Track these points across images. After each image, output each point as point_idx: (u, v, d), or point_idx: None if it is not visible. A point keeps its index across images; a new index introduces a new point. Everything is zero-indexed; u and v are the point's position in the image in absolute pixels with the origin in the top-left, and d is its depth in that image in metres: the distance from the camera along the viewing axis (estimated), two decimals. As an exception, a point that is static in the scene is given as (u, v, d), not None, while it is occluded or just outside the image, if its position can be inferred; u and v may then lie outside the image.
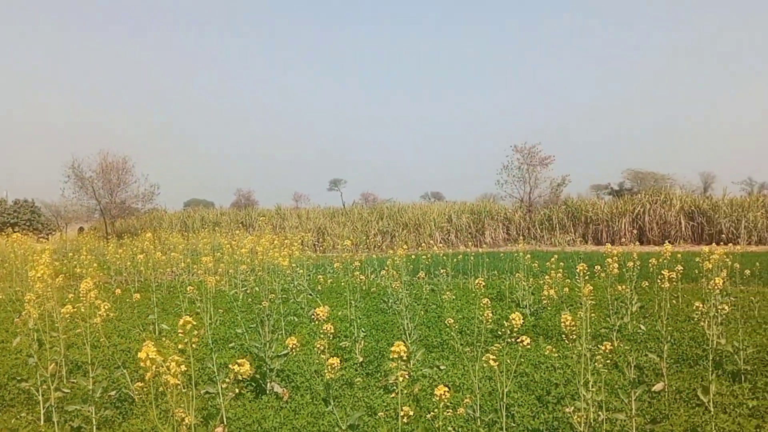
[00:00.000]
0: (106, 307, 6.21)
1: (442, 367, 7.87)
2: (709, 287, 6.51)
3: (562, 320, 4.66)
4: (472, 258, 17.75)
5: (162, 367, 3.09)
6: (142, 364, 3.00)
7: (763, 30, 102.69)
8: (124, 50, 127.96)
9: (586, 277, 7.99)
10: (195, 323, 3.76)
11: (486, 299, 5.89)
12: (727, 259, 11.09)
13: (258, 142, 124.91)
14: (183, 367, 3.14)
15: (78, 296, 6.51)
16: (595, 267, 10.76)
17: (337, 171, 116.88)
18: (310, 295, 13.30)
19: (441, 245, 35.18)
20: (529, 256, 14.05)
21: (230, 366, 4.03)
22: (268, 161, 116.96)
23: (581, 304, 11.90)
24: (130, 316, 11.78)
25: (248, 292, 14.80)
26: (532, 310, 11.89)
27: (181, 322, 3.69)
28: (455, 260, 17.15)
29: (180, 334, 3.66)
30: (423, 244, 33.48)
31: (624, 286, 10.24)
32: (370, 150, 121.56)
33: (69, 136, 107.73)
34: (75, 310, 6.05)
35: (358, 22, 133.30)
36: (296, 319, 11.51)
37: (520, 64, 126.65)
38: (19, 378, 7.70)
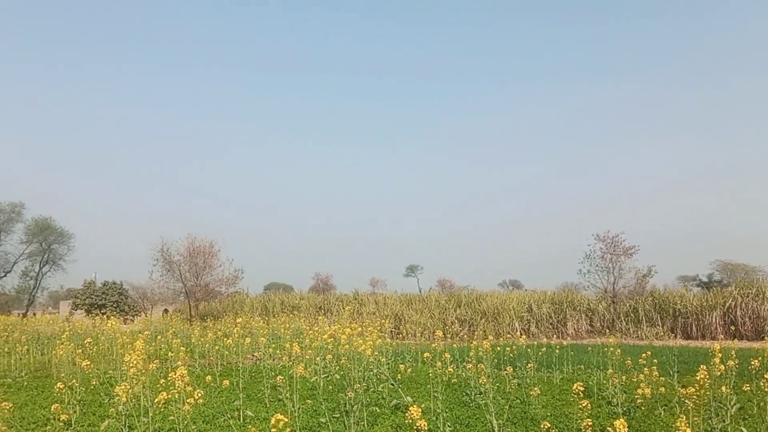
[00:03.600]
0: (200, 394, 6.30)
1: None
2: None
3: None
4: (557, 351, 17.20)
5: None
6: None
7: None
8: (201, 142, 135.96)
9: (687, 376, 7.59)
10: (287, 420, 3.76)
11: (585, 402, 5.65)
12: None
13: (336, 226, 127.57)
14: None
15: (169, 381, 6.63)
16: (701, 366, 10.21)
17: (413, 257, 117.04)
18: (392, 384, 13.11)
19: (522, 336, 34.31)
20: (619, 350, 13.50)
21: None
22: (345, 245, 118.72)
23: (676, 404, 11.27)
24: (215, 401, 11.88)
25: (328, 379, 14.72)
26: (624, 409, 11.30)
27: (273, 420, 3.70)
28: (539, 352, 16.64)
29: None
30: (503, 334, 32.76)
31: (725, 387, 9.64)
32: (447, 236, 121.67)
33: (155, 219, 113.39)
34: (169, 396, 6.15)
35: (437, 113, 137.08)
36: (378, 410, 11.32)
37: (602, 152, 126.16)
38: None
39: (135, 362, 6.32)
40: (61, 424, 6.18)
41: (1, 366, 17.32)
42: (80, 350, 15.51)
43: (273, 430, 3.67)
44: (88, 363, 7.40)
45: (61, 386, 6.63)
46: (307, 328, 23.36)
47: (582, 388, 6.57)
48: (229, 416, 10.48)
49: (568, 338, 33.76)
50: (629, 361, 13.57)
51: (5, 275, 51.24)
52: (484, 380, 8.84)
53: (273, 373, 13.97)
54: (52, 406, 5.70)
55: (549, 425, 6.48)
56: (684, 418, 4.60)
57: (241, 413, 10.71)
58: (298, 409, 11.45)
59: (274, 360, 17.99)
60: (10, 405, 7.25)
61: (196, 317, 42.48)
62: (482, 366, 9.80)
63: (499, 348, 12.66)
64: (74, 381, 8.30)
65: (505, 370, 11.28)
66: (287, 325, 25.21)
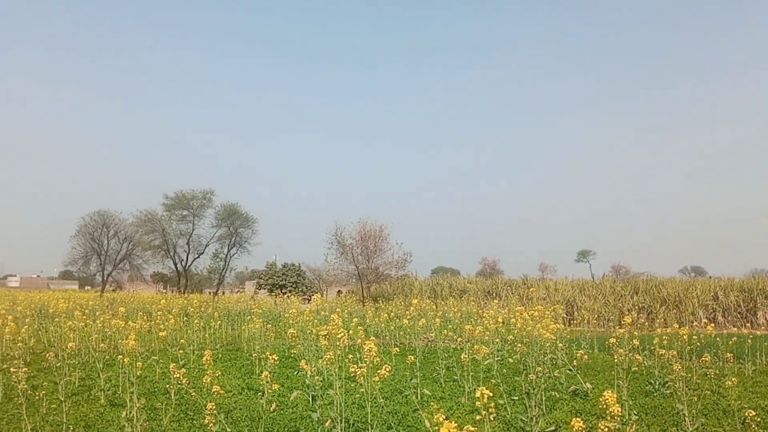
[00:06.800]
0: (387, 368, 6.55)
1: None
2: None
3: None
4: (749, 341, 15.91)
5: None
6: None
7: None
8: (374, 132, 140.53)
9: None
10: (491, 394, 3.82)
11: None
12: None
13: (504, 211, 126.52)
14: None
15: (363, 353, 6.88)
16: None
17: (584, 242, 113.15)
18: (569, 370, 12.81)
19: (710, 325, 32.10)
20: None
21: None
22: (512, 230, 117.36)
23: None
24: (392, 378, 12.29)
25: (501, 362, 14.68)
26: (832, 404, 10.29)
27: (478, 393, 3.77)
28: (729, 342, 15.50)
29: (478, 405, 3.74)
30: (686, 323, 30.78)
31: None
32: (620, 219, 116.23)
33: (328, 205, 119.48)
34: (360, 370, 6.43)
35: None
36: (556, 395, 11.15)
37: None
38: None
39: (337, 333, 6.62)
40: (270, 392, 6.69)
41: (198, 339, 19.03)
42: (270, 325, 16.65)
43: (477, 402, 3.75)
44: (293, 331, 7.93)
45: (275, 357, 7.16)
46: (477, 311, 23.41)
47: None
48: (409, 393, 10.81)
49: (761, 328, 31.08)
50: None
51: (198, 257, 56.01)
52: (677, 367, 8.38)
53: (446, 354, 14.19)
54: (263, 374, 6.19)
55: (753, 413, 6.04)
56: None
57: (419, 391, 11.00)
58: (473, 388, 11.57)
59: (445, 341, 18.25)
60: (219, 372, 7.99)
61: (368, 298, 43.99)
62: (673, 353, 9.30)
63: (685, 337, 11.95)
64: (267, 353, 8.93)
65: (702, 359, 10.60)
66: (457, 308, 25.38)
